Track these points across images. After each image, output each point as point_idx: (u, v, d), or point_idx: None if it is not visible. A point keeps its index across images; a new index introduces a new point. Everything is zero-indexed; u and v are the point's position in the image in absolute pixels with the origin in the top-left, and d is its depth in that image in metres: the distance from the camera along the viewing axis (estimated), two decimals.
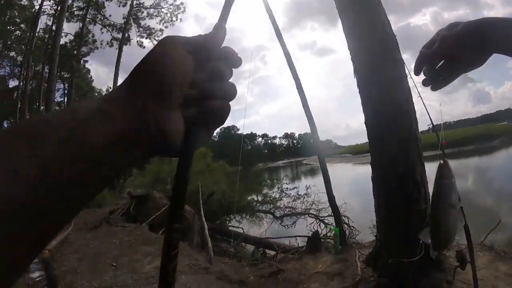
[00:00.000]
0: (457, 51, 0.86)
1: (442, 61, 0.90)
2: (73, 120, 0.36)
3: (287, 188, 13.85)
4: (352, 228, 9.77)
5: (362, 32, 4.73)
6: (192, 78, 0.45)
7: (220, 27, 0.51)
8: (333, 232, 7.15)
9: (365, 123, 4.83)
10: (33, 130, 0.34)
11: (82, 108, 0.38)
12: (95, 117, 0.37)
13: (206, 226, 8.82)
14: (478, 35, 0.82)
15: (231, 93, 0.50)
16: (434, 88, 0.94)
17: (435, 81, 0.92)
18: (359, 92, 4.82)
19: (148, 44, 23.67)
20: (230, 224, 12.80)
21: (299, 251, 7.35)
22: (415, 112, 4.56)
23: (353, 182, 24.23)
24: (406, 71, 4.50)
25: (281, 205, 12.81)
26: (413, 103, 4.52)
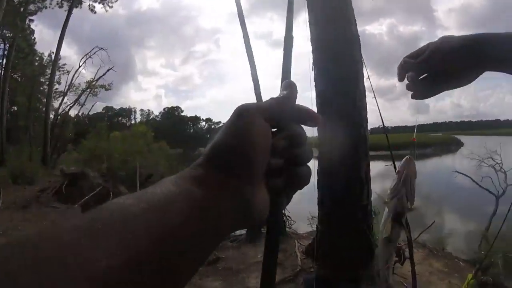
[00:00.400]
0: (449, 66, 0.83)
1: (425, 75, 0.88)
2: (157, 210, 0.33)
3: None
4: (288, 217, 10.00)
5: (329, 26, 4.73)
6: (272, 147, 0.43)
7: (291, 86, 0.48)
8: None
9: None
10: (122, 225, 0.31)
11: (161, 193, 0.36)
12: (180, 203, 0.35)
13: None
14: (475, 51, 0.80)
15: (311, 156, 0.48)
16: (417, 96, 0.91)
17: (419, 90, 0.90)
18: (315, 86, 4.83)
19: (101, 9, 22.40)
20: None
21: (238, 240, 7.32)
22: (367, 112, 4.68)
23: None
24: (365, 73, 4.61)
25: None
26: (366, 104, 4.64)
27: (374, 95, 2.83)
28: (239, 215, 0.39)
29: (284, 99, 0.47)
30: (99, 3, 21.94)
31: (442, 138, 62.48)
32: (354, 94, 4.60)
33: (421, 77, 0.88)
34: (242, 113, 0.42)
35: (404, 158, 0.85)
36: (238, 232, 9.25)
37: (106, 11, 22.65)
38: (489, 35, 0.81)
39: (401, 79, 0.90)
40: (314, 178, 4.89)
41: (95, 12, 22.13)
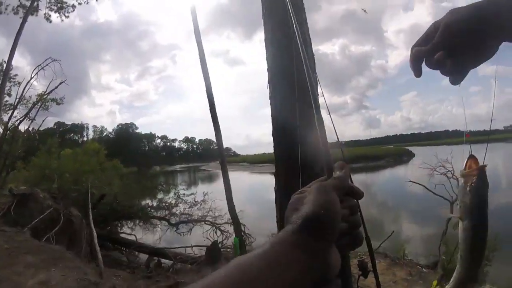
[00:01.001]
0: (463, 39, 0.72)
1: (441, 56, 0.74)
2: (274, 274, 0.43)
3: (184, 194, 13.24)
4: (248, 235, 9.77)
5: (284, 43, 4.71)
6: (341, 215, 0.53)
7: (345, 167, 0.62)
8: (233, 241, 6.97)
9: (272, 134, 4.79)
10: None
11: (279, 255, 0.45)
12: (293, 264, 0.45)
13: (95, 233, 7.98)
14: (486, 17, 0.69)
15: (360, 222, 0.59)
16: (457, 78, 0.78)
17: (454, 70, 0.77)
18: (270, 104, 4.80)
19: (56, 19, 21.17)
20: (122, 231, 12.02)
21: (197, 262, 7.06)
22: (324, 129, 4.58)
23: (249, 190, 24.89)
24: (320, 91, 4.55)
25: (177, 212, 12.26)
26: (322, 120, 4.56)
27: (329, 112, 2.75)
28: (320, 272, 0.47)
29: (344, 177, 0.59)
30: (55, 12, 20.61)
31: (394, 150, 65.06)
32: (308, 111, 4.55)
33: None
34: (323, 190, 0.53)
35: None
36: (196, 253, 8.97)
37: (62, 20, 21.38)
38: (503, 1, 0.70)
39: (418, 73, 0.80)
40: (272, 195, 4.80)
41: (50, 21, 20.78)
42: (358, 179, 31.26)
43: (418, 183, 11.28)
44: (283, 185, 4.59)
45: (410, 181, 11.74)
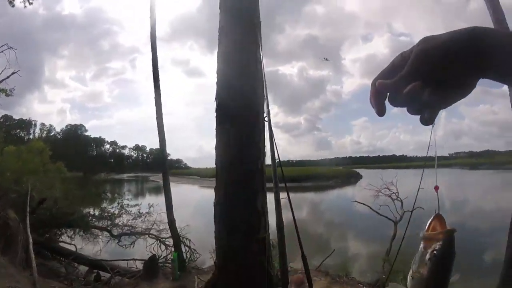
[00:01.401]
0: (443, 69, 0.60)
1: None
2: None
3: (128, 205, 12.52)
4: (193, 250, 9.52)
5: (235, 59, 4.69)
6: None
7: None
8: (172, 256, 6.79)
9: (215, 148, 4.78)
10: None
11: None
12: None
13: (31, 239, 7.42)
14: (473, 45, 0.58)
15: None
16: (430, 118, 0.65)
17: (426, 105, 0.65)
18: (216, 117, 4.74)
19: (20, 4, 20.07)
20: (61, 240, 11.27)
21: (135, 276, 6.81)
22: (265, 147, 4.62)
23: (198, 204, 24.85)
24: (265, 109, 4.54)
25: (120, 223, 11.68)
26: (265, 139, 4.60)
27: (272, 134, 2.72)
28: None
29: None
30: None
31: (343, 171, 67.02)
32: (253, 128, 4.60)
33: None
34: None
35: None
36: (139, 267, 8.62)
37: (25, 6, 20.12)
38: (487, 30, 0.60)
39: (381, 110, 0.67)
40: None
41: (13, 5, 19.76)
42: (307, 198, 32.02)
43: (363, 204, 11.59)
44: (223, 200, 4.56)
45: (356, 201, 12.13)
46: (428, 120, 0.65)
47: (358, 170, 64.42)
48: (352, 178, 54.55)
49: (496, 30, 0.60)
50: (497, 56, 0.58)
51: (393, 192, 10.98)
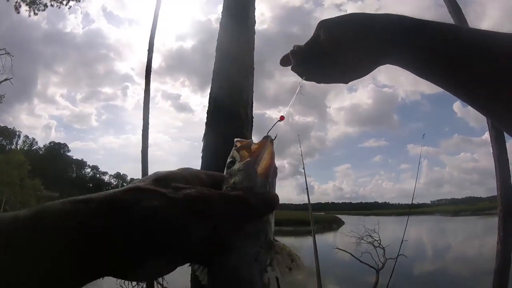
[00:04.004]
0: (341, 46, 0.64)
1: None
2: None
3: None
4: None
5: (225, 102, 4.73)
6: None
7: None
8: None
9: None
10: None
11: None
12: None
13: None
14: (371, 25, 0.62)
15: None
16: (302, 73, 0.74)
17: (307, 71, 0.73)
18: (201, 157, 4.73)
19: (25, 12, 19.85)
20: None
21: None
22: None
23: None
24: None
25: None
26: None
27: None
28: None
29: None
30: (26, 4, 19.49)
31: (325, 217, 66.50)
32: None
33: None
34: None
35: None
36: None
37: (30, 16, 20.08)
38: (400, 16, 0.62)
39: (284, 61, 0.79)
40: None
41: (18, 12, 19.64)
42: (287, 242, 31.47)
43: (345, 251, 11.44)
44: None
45: (337, 248, 11.91)
46: (297, 70, 0.75)
47: (340, 216, 64.16)
48: (334, 224, 54.17)
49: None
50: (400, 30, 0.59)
51: (375, 239, 10.93)
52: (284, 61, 0.78)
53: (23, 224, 0.35)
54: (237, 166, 0.49)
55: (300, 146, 4.13)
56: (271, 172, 0.49)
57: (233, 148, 0.52)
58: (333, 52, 0.65)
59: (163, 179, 0.45)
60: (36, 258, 0.33)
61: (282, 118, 0.62)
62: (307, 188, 4.17)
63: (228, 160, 0.52)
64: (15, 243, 0.33)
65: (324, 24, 0.66)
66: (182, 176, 0.47)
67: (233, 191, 0.47)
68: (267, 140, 0.51)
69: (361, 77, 0.69)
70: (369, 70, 0.67)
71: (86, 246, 0.36)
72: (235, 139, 0.53)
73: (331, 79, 0.72)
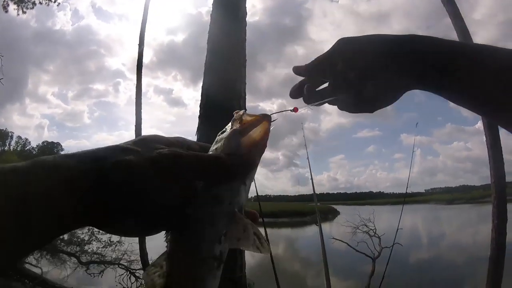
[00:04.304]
0: (365, 71, 0.58)
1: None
2: None
3: (99, 232, 11.57)
4: None
5: (218, 95, 4.69)
6: None
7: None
8: None
9: None
10: None
11: None
12: None
13: None
14: (410, 47, 0.56)
15: None
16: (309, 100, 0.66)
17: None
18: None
19: (13, 11, 19.67)
20: (26, 261, 10.66)
21: None
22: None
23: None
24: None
25: (89, 250, 11.27)
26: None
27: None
28: None
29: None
30: (15, 3, 19.12)
31: (320, 207, 66.25)
32: None
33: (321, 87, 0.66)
34: None
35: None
36: None
37: (18, 14, 19.71)
38: (425, 38, 0.57)
39: (292, 93, 0.69)
40: None
41: (6, 11, 19.29)
42: (283, 234, 31.64)
43: (341, 240, 11.50)
44: None
45: (333, 238, 11.98)
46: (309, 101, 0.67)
47: (335, 207, 64.43)
48: (329, 215, 54.32)
49: (436, 38, 0.57)
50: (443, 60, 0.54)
51: (371, 229, 11.01)
52: (295, 93, 0.70)
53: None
54: (224, 135, 0.49)
55: (303, 135, 4.09)
56: (257, 146, 0.48)
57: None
58: (358, 80, 0.59)
59: (145, 140, 0.45)
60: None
61: (296, 109, 0.59)
62: (311, 178, 4.15)
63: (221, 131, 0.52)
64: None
65: (344, 48, 0.61)
66: (168, 141, 0.47)
67: None
68: (263, 116, 0.50)
69: (389, 105, 0.63)
70: (396, 98, 0.62)
71: (66, 192, 0.37)
72: (234, 111, 0.52)
73: (355, 109, 0.65)
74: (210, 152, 0.48)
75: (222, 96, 4.58)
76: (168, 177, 0.41)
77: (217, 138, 0.50)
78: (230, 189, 0.46)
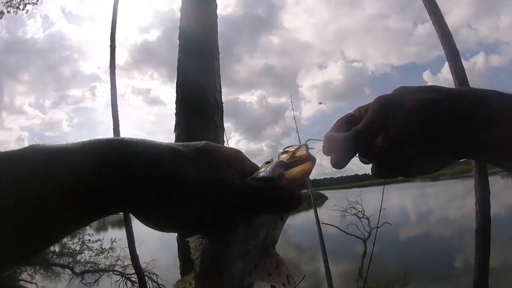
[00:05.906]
0: (425, 138, 0.46)
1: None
2: None
3: (89, 240, 11.87)
4: (161, 286, 9.18)
5: (193, 90, 4.64)
6: None
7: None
8: None
9: None
10: None
11: None
12: None
13: None
14: (462, 111, 0.44)
15: None
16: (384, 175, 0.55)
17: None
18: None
19: None
20: (21, 278, 10.42)
21: None
22: None
23: (165, 237, 23.86)
24: (225, 138, 4.57)
25: (82, 260, 11.11)
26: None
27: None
28: None
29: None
30: None
31: (308, 193, 67.21)
32: None
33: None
34: None
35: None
36: None
37: None
38: (481, 91, 0.46)
39: (336, 163, 0.58)
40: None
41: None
42: None
43: (331, 225, 11.63)
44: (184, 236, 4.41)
45: (323, 223, 12.08)
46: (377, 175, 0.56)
47: (323, 192, 65.03)
48: (318, 200, 54.88)
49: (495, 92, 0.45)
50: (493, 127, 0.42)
51: (359, 211, 11.21)
52: (329, 150, 0.58)
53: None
54: (269, 164, 0.48)
55: (292, 109, 4.04)
56: (295, 182, 0.47)
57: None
58: (412, 149, 0.48)
59: (209, 154, 0.43)
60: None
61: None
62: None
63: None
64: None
65: (393, 111, 0.49)
66: (228, 156, 0.45)
67: None
68: (309, 156, 0.49)
69: (439, 170, 0.51)
70: (447, 163, 0.51)
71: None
72: (289, 146, 0.52)
73: (403, 174, 0.53)
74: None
75: (197, 91, 4.53)
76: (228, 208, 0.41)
77: (262, 164, 0.49)
78: (269, 223, 0.45)
